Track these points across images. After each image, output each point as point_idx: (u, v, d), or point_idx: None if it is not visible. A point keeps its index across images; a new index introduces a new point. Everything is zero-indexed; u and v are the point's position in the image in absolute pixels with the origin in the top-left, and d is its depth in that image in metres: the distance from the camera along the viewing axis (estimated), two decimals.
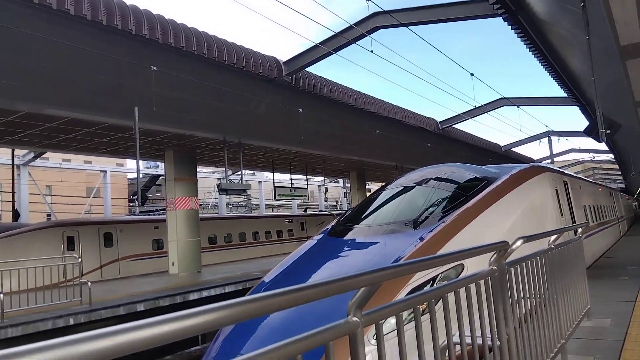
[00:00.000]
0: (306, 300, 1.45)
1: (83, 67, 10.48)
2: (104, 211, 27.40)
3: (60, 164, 27.87)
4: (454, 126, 24.16)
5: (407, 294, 4.51)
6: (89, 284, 10.72)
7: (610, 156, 37.42)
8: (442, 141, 24.20)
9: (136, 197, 12.44)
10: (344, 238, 6.69)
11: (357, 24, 12.14)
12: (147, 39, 10.82)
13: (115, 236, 18.60)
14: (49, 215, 29.38)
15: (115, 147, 16.11)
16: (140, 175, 29.57)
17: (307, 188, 23.87)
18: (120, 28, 10.27)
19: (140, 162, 32.90)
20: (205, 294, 12.64)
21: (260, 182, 37.07)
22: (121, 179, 39.56)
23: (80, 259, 11.59)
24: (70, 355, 0.80)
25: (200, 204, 35.53)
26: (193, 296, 12.32)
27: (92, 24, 9.92)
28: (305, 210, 40.55)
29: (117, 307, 10.71)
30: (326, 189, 45.15)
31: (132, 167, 30.65)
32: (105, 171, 27.93)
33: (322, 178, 39.62)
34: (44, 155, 22.04)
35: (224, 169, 17.32)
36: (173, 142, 15.91)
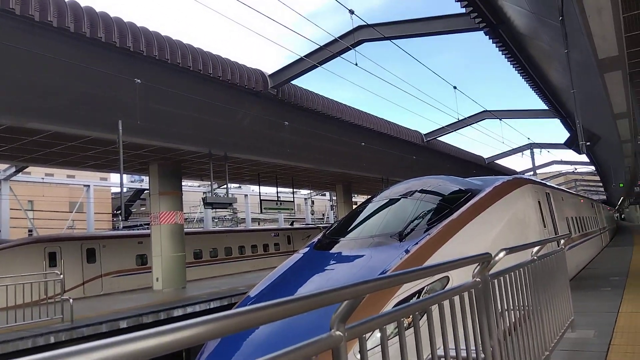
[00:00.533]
0: (290, 314, 1.44)
1: (66, 80, 10.39)
2: (87, 226, 26.96)
3: (43, 178, 27.39)
4: (438, 139, 24.40)
5: (393, 307, 4.49)
6: (71, 300, 10.50)
7: (592, 168, 38.09)
8: (426, 153, 24.40)
9: (120, 211, 12.23)
10: (330, 251, 6.67)
11: (342, 37, 12.26)
12: (131, 51, 10.78)
13: (98, 252, 18.29)
14: (30, 230, 28.83)
15: (99, 161, 15.92)
16: (125, 190, 29.23)
17: (293, 201, 23.82)
18: (104, 40, 10.22)
19: (125, 176, 32.63)
20: (189, 310, 12.45)
21: (246, 195, 36.89)
22: (105, 193, 39.05)
23: (62, 275, 11.37)
24: None
25: (186, 218, 35.21)
26: (177, 312, 12.13)
27: (75, 36, 9.85)
28: (291, 224, 40.40)
29: (99, 325, 10.49)
30: (313, 202, 45.10)
31: (116, 181, 30.29)
32: (88, 185, 27.53)
33: (309, 191, 39.60)
34: (25, 170, 21.66)
35: (210, 183, 17.20)
36: (158, 156, 15.78)
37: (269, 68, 20.80)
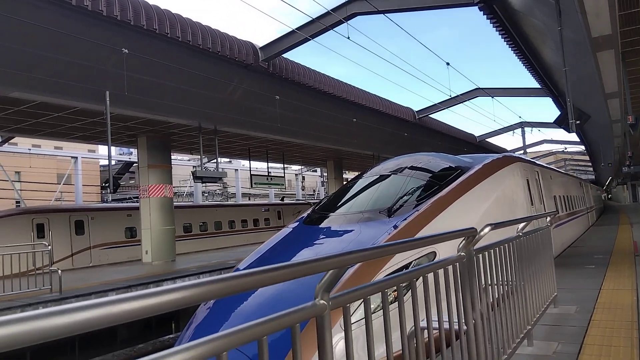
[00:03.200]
0: (274, 281, 1.45)
1: (52, 49, 10.12)
2: (75, 198, 26.80)
3: (30, 149, 27.06)
4: (430, 116, 24.34)
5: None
6: (59, 271, 10.49)
7: (582, 147, 38.37)
8: (418, 131, 24.37)
9: (108, 184, 12.06)
10: (319, 226, 6.69)
11: (334, 10, 12.04)
12: (119, 20, 10.50)
13: (86, 224, 18.24)
14: (17, 202, 28.60)
15: (86, 133, 15.69)
16: (113, 162, 28.95)
17: (284, 176, 23.77)
18: (91, 9, 9.93)
19: (113, 148, 32.25)
20: (179, 282, 12.50)
21: (236, 170, 36.77)
22: (93, 165, 38.72)
23: (50, 247, 11.34)
24: (51, 326, 0.82)
25: (175, 192, 35.13)
26: (166, 284, 12.17)
27: (61, 4, 9.56)
28: (282, 199, 40.47)
29: (88, 295, 10.52)
30: (303, 178, 45.10)
31: (104, 154, 30.04)
32: (76, 157, 27.28)
33: (300, 167, 39.54)
34: (12, 140, 21.32)
35: (200, 156, 17.07)
36: (146, 128, 15.60)
37: (261, 43, 20.45)
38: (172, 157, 19.15)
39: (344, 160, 28.30)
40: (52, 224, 16.96)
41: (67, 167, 29.83)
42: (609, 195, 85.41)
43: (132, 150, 28.33)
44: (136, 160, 18.20)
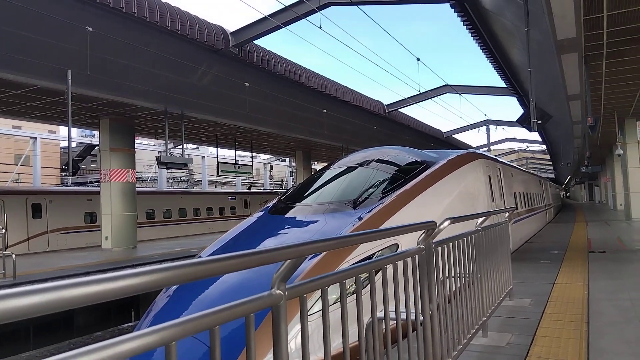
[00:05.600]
0: (231, 269, 1.43)
1: (11, 24, 9.65)
2: (33, 180, 25.84)
3: None
4: (399, 110, 24.57)
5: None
6: (14, 256, 10.12)
7: (543, 147, 39.63)
8: (387, 124, 24.57)
9: (68, 166, 11.61)
10: (285, 216, 6.66)
11: None
12: None
13: (44, 207, 17.62)
14: None
15: (46, 112, 15.10)
16: (74, 144, 28.04)
17: (252, 165, 23.58)
18: None
19: (76, 130, 31.21)
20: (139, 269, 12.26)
21: (203, 157, 36.24)
22: (53, 147, 37.37)
23: (4, 230, 10.91)
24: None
25: (139, 178, 34.36)
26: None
27: None
28: (249, 188, 40.19)
29: (43, 281, 10.18)
30: (272, 167, 44.89)
31: (65, 135, 28.99)
32: (35, 138, 26.28)
33: (268, 156, 39.30)
34: None
35: (165, 142, 16.71)
36: (109, 110, 15.13)
37: (232, 28, 20.02)
38: (137, 141, 18.68)
39: (313, 151, 28.30)
40: (7, 207, 16.31)
41: (26, 147, 28.69)
42: (567, 194, 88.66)
43: (94, 132, 27.49)
44: (98, 143, 17.67)
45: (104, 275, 1.00)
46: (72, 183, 30.94)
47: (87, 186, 30.42)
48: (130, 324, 11.51)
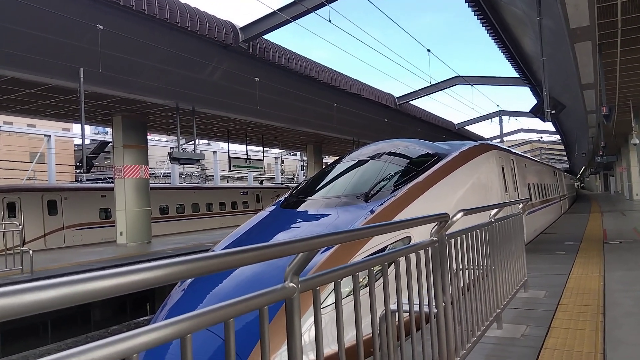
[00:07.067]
0: (244, 263, 1.44)
1: (25, 24, 9.76)
2: (48, 177, 26.20)
3: (1, 126, 26.25)
4: (410, 102, 24.43)
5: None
6: (31, 252, 10.28)
7: (557, 137, 39.12)
8: (398, 117, 24.44)
9: (82, 163, 11.76)
10: (297, 210, 6.67)
11: None
12: None
13: (59, 204, 17.87)
14: None
15: (60, 110, 15.26)
16: (88, 141, 28.34)
17: (263, 160, 23.62)
18: None
19: (89, 127, 31.53)
20: None
21: (215, 152, 36.41)
22: (67, 144, 37.84)
23: (21, 227, 11.09)
24: (20, 303, 0.80)
25: (152, 174, 34.65)
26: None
27: None
28: (261, 183, 40.32)
29: (60, 276, 10.33)
30: (283, 162, 44.93)
31: (79, 133, 29.33)
32: (49, 135, 26.60)
33: (279, 150, 39.34)
34: None
35: (177, 137, 16.82)
36: (121, 107, 15.26)
37: (241, 23, 20.12)
38: (149, 137, 18.82)
39: (324, 145, 28.26)
40: (24, 204, 16.57)
41: (40, 145, 29.08)
42: (582, 184, 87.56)
43: (107, 129, 27.75)
44: (111, 140, 17.83)
45: (119, 270, 1.02)
46: (86, 180, 31.33)
47: (102, 182, 30.77)
48: (145, 318, 11.67)
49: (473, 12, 11.96)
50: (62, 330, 10.22)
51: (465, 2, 11.43)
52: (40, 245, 16.53)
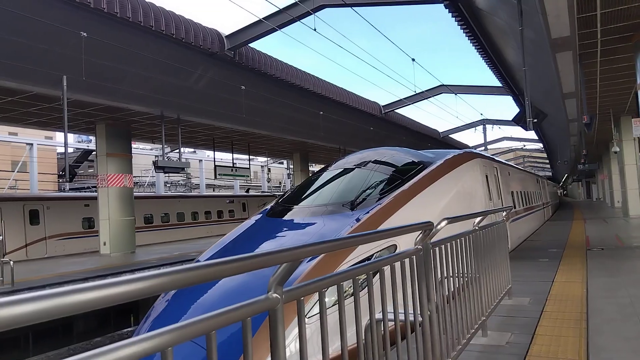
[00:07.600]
0: (227, 274, 1.42)
1: (6, 30, 9.63)
2: (30, 187, 25.77)
3: None
4: (395, 111, 24.59)
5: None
6: (12, 263, 10.08)
7: (540, 145, 39.68)
8: (384, 125, 24.58)
9: (64, 172, 11.58)
10: (283, 218, 6.65)
11: (302, 1, 11.95)
12: (78, 2, 10.09)
13: (42, 213, 17.57)
14: None
15: (42, 119, 15.06)
16: (71, 150, 28.00)
17: (249, 168, 23.55)
18: None
19: (73, 136, 31.13)
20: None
21: (200, 160, 36.18)
22: (50, 153, 37.31)
23: (1, 237, 10.88)
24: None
25: (136, 182, 34.27)
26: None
27: None
28: (247, 191, 40.15)
29: (41, 288, 10.15)
30: (269, 170, 44.83)
31: (62, 141, 28.97)
32: (32, 144, 26.21)
33: (266, 158, 39.27)
34: None
35: (161, 146, 16.70)
36: (105, 115, 15.11)
37: (227, 31, 20.10)
38: (134, 145, 18.65)
39: (310, 153, 28.29)
40: (5, 213, 16.27)
41: (22, 153, 28.62)
42: (565, 192, 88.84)
43: (91, 138, 27.41)
44: (95, 148, 17.63)
45: (102, 282, 1.00)
46: (69, 189, 30.88)
47: (85, 192, 30.35)
48: (130, 329, 11.48)
49: (457, 23, 12.13)
50: (44, 343, 10.00)
51: (449, 12, 11.59)
52: (21, 255, 16.21)
